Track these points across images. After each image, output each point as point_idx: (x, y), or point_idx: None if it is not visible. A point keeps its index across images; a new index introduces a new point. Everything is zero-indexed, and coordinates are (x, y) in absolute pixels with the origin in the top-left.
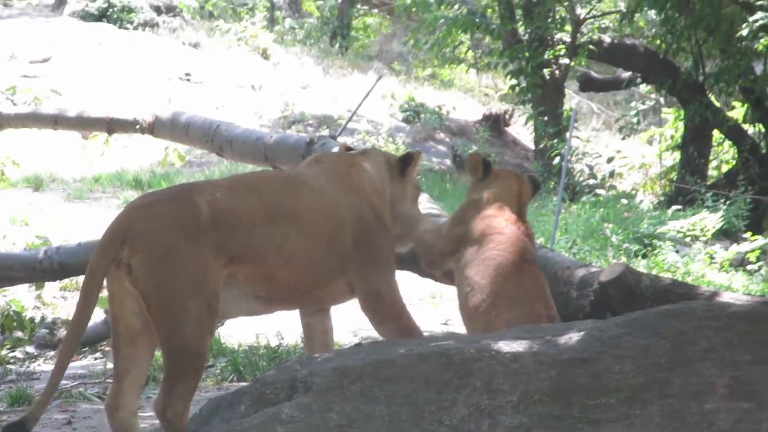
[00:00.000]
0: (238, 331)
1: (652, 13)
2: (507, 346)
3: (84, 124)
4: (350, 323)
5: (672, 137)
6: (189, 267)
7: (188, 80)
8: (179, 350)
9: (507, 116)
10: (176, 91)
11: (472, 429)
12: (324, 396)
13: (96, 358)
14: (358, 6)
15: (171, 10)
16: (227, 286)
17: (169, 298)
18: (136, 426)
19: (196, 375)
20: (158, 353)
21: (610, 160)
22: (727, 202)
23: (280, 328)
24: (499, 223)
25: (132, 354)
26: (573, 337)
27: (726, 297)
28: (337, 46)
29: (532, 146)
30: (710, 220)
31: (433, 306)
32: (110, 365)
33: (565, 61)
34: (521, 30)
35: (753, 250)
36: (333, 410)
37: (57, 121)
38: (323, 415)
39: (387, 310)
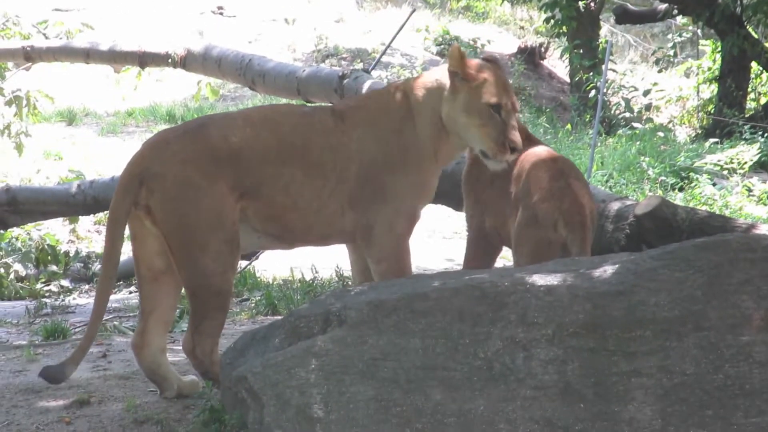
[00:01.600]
0: (273, 265)
1: None
2: (541, 279)
3: (116, 57)
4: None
5: (709, 69)
6: (206, 203)
7: (221, 14)
8: (202, 288)
9: (542, 49)
10: (208, 25)
11: (506, 362)
12: (358, 329)
13: (131, 292)
14: None
15: None
16: (239, 221)
17: (189, 236)
18: (163, 363)
19: (221, 311)
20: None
21: (646, 93)
22: (766, 135)
23: (315, 261)
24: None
25: (156, 292)
26: (608, 270)
27: (763, 229)
28: None
29: (567, 79)
30: (748, 152)
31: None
32: None
33: None
34: None
35: None
36: (367, 343)
37: (89, 54)
38: (357, 348)
39: (378, 249)
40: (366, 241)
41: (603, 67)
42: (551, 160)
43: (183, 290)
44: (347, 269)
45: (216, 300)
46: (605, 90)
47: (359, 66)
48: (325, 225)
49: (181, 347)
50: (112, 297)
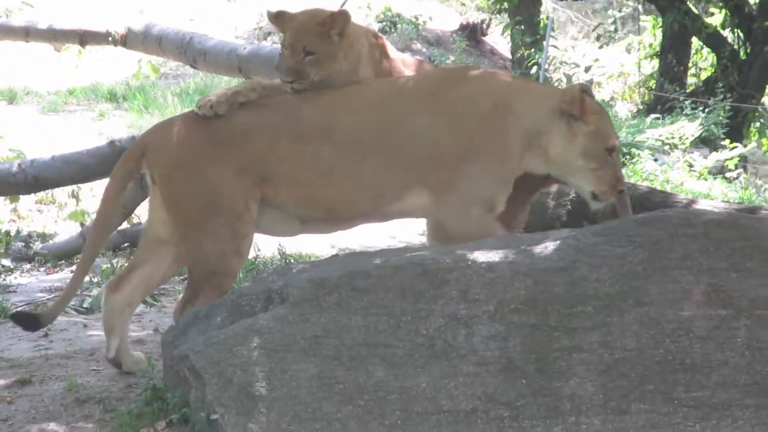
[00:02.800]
0: None
1: None
2: (483, 256)
3: (56, 36)
4: (327, 235)
5: (650, 45)
6: (200, 185)
7: None
8: (198, 264)
9: (484, 26)
10: (149, 3)
11: (448, 339)
12: (300, 307)
13: (72, 272)
14: None
15: None
16: (267, 207)
17: (184, 213)
18: (122, 317)
19: (216, 291)
20: None
21: (588, 69)
22: (706, 110)
23: (257, 240)
24: None
25: (150, 254)
26: (549, 246)
27: (703, 204)
28: None
29: (509, 56)
30: (689, 128)
31: None
32: (87, 279)
33: None
34: None
35: (732, 158)
36: (309, 321)
37: (28, 33)
38: (299, 326)
39: (448, 233)
40: (431, 232)
41: (544, 43)
42: None
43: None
44: (289, 247)
45: (211, 279)
46: (547, 66)
47: None
48: (373, 201)
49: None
50: (55, 276)
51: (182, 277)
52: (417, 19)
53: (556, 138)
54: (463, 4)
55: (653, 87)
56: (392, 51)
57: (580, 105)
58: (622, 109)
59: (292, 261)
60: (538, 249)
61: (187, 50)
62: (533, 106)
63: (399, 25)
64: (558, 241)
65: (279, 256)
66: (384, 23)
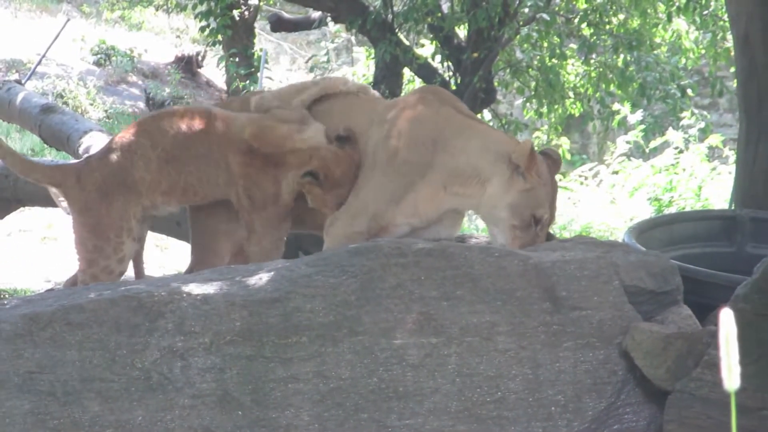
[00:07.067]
0: None
1: None
2: (198, 288)
3: None
4: (42, 269)
5: (364, 76)
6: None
7: None
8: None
9: (199, 58)
10: None
11: (164, 371)
12: (13, 343)
13: None
14: None
15: None
16: None
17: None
18: None
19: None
20: None
21: None
22: None
23: None
24: None
25: None
26: (263, 277)
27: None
28: None
29: (225, 87)
30: None
31: None
32: None
33: (255, 1)
34: None
35: None
36: (23, 357)
37: None
38: (13, 362)
39: (330, 240)
40: (326, 226)
41: (259, 74)
42: None
43: None
44: (3, 282)
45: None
46: None
47: (14, 77)
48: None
49: None
50: None
51: None
52: (132, 51)
53: (495, 181)
54: (178, 36)
55: None
56: None
57: (527, 160)
58: None
59: (6, 296)
60: (252, 280)
61: None
62: (481, 151)
63: (114, 58)
64: (272, 272)
65: None
66: (99, 56)
